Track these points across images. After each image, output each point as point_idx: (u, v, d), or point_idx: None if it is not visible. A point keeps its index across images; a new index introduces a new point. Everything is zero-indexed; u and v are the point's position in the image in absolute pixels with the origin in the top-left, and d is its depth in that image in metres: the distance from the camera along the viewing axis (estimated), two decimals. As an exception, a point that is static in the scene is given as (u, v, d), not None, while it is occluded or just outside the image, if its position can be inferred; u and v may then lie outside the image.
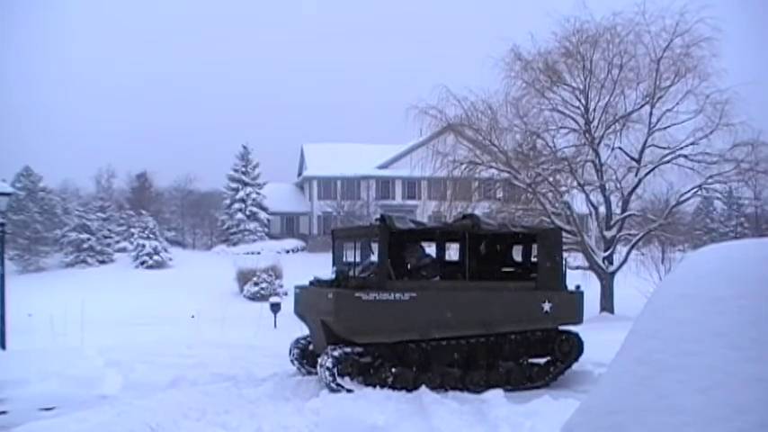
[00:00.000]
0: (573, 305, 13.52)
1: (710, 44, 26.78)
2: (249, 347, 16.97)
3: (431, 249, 15.01)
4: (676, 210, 30.03)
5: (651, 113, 27.83)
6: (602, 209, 29.14)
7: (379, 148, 66.41)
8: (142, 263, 57.69)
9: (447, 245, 15.68)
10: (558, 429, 3.38)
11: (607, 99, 27.95)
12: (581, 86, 28.06)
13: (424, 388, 11.37)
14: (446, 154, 29.26)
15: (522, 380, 12.57)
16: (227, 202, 64.97)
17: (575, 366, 13.39)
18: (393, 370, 11.74)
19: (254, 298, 42.25)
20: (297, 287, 13.65)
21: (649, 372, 2.97)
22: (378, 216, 13.06)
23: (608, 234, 28.31)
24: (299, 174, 73.51)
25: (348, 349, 11.58)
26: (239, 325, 24.94)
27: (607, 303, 27.78)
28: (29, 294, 33.71)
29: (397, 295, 11.75)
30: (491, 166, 28.77)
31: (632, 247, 28.49)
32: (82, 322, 20.09)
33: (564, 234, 27.31)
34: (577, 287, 13.89)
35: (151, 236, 59.13)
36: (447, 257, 15.62)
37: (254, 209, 63.96)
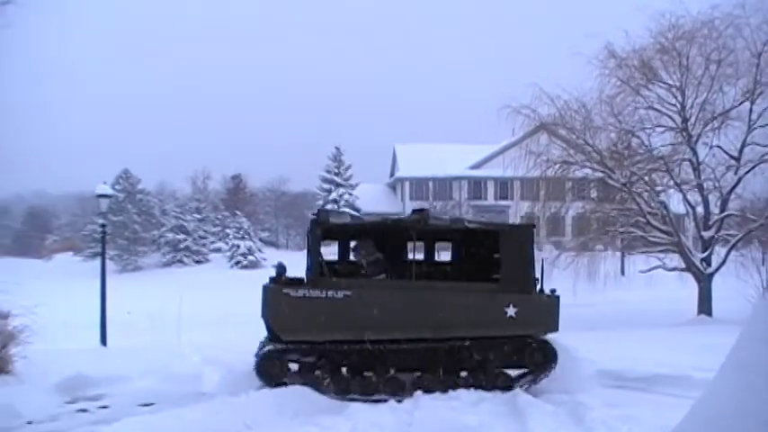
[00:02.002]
0: (546, 311, 12.44)
1: (815, 36, 25.88)
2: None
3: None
4: (778, 210, 29.13)
5: (751, 110, 26.94)
6: (699, 209, 28.39)
7: (470, 148, 66.26)
8: (237, 263, 58.82)
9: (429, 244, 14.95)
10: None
11: (705, 96, 27.18)
12: (677, 83, 27.39)
13: (517, 389, 11.22)
14: (539, 153, 28.96)
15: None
16: (320, 202, 65.64)
17: (669, 370, 12.98)
18: (339, 372, 11.73)
19: (347, 297, 42.53)
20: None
21: (757, 376, 2.90)
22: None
23: (706, 235, 27.59)
24: (391, 174, 73.86)
25: (276, 347, 11.57)
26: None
27: (704, 306, 27.06)
28: (128, 293, 34.62)
29: (330, 293, 11.47)
30: (585, 166, 28.36)
31: (731, 248, 27.66)
32: (179, 320, 20.52)
33: (660, 235, 26.90)
34: (552, 291, 12.73)
35: (246, 236, 60.22)
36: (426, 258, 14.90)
37: (347, 209, 64.47)
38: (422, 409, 10.04)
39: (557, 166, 28.46)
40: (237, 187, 76.61)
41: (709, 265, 27.35)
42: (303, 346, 11.62)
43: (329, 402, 10.88)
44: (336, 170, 66.64)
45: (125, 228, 64.90)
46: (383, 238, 14.07)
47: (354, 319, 11.54)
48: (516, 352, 12.25)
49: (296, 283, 11.82)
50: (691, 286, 27.75)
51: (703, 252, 27.47)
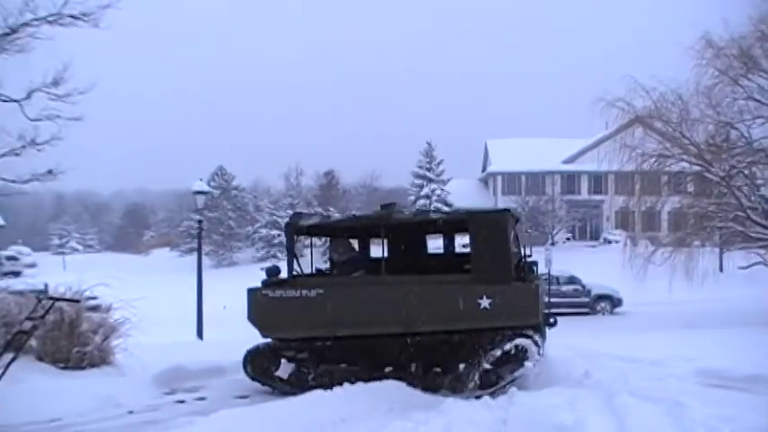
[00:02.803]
0: (525, 301, 11.62)
1: None
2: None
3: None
4: None
5: None
6: (803, 202, 27.54)
7: (563, 142, 65.55)
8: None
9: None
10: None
11: (809, 84, 26.33)
12: (779, 72, 26.58)
13: (618, 390, 10.95)
14: (634, 147, 28.45)
15: (455, 385, 11.50)
16: (412, 198, 65.64)
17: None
18: (321, 367, 12.05)
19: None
20: None
21: None
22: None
23: (809, 230, 26.72)
24: (483, 169, 73.60)
25: (263, 343, 12.40)
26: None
27: (806, 304, 26.27)
28: (223, 288, 35.20)
29: (304, 292, 11.93)
30: (681, 159, 27.71)
31: (837, 243, 26.77)
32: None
33: (761, 230, 26.08)
34: (525, 279, 12.03)
35: (339, 232, 60.57)
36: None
37: (439, 205, 64.37)
38: (517, 406, 9.93)
39: (652, 160, 27.91)
40: (330, 183, 77.30)
41: (811, 260, 26.50)
42: (291, 343, 12.33)
43: (423, 397, 10.88)
44: (428, 165, 66.57)
45: (220, 224, 66.21)
46: (355, 235, 14.70)
47: (327, 316, 11.90)
48: (491, 346, 11.51)
49: (275, 284, 12.47)
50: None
51: (806, 248, 26.61)
